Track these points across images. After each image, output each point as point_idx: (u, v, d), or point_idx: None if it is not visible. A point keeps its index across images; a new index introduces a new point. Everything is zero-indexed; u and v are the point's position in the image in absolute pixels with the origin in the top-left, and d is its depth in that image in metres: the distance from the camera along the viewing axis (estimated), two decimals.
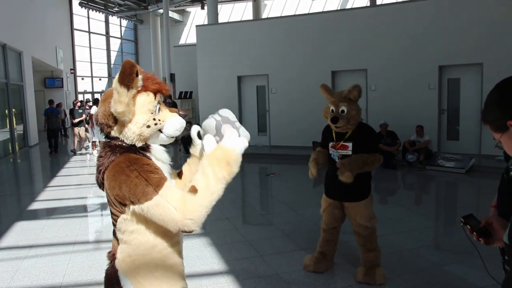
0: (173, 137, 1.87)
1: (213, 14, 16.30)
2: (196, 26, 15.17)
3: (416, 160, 9.88)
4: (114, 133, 1.79)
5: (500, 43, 9.95)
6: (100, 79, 32.26)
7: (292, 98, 12.78)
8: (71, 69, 24.71)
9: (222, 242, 5.12)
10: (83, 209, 7.19)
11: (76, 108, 14.58)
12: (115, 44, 34.17)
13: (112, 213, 1.81)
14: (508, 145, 1.39)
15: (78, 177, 10.05)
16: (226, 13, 28.44)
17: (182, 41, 30.66)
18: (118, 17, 31.76)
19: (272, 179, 9.45)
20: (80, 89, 28.39)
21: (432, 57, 10.86)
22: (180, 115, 1.89)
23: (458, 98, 10.96)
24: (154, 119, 1.78)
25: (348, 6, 25.43)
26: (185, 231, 1.64)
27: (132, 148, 1.78)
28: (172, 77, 21.08)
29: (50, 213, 6.86)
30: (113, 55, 33.80)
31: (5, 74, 13.45)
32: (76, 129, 13.98)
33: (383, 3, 18.20)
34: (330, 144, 3.94)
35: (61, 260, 4.65)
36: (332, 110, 3.84)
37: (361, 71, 11.87)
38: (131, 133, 1.75)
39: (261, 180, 9.96)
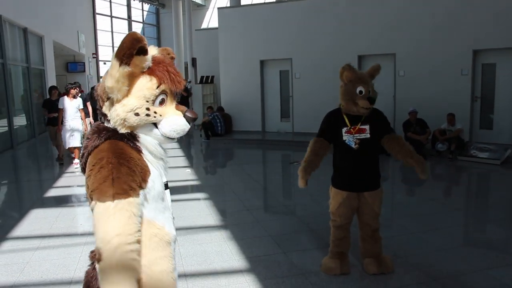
0: (169, 137, 1.57)
1: None
2: (218, 8, 14.80)
3: (446, 150, 9.38)
4: (104, 109, 1.59)
5: None
6: None
7: (316, 83, 12.31)
8: (93, 54, 24.65)
9: (242, 236, 4.82)
10: None
11: (54, 98, 9.76)
12: (137, 29, 33.96)
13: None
14: None
15: None
16: None
17: (204, 25, 30.28)
18: (140, 1, 31.54)
19: (296, 167, 9.05)
20: (102, 74, 28.36)
21: (465, 40, 10.27)
22: (186, 116, 1.57)
23: (493, 84, 10.36)
24: (148, 109, 1.50)
25: None
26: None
27: (119, 133, 1.55)
28: (193, 61, 20.78)
29: (66, 200, 6.68)
30: None
31: (26, 58, 13.30)
32: (52, 129, 9.73)
33: None
34: (344, 129, 3.61)
35: (73, 252, 4.41)
36: (361, 91, 3.51)
37: (390, 55, 11.34)
38: (115, 115, 1.52)
39: (284, 169, 9.64)
